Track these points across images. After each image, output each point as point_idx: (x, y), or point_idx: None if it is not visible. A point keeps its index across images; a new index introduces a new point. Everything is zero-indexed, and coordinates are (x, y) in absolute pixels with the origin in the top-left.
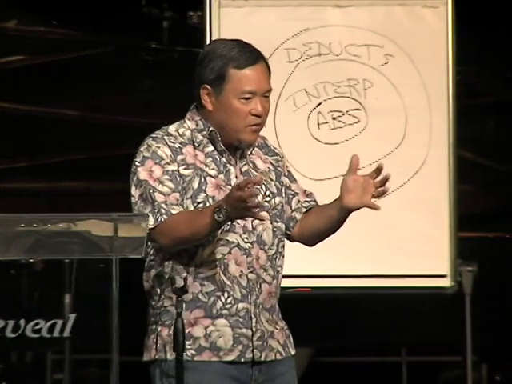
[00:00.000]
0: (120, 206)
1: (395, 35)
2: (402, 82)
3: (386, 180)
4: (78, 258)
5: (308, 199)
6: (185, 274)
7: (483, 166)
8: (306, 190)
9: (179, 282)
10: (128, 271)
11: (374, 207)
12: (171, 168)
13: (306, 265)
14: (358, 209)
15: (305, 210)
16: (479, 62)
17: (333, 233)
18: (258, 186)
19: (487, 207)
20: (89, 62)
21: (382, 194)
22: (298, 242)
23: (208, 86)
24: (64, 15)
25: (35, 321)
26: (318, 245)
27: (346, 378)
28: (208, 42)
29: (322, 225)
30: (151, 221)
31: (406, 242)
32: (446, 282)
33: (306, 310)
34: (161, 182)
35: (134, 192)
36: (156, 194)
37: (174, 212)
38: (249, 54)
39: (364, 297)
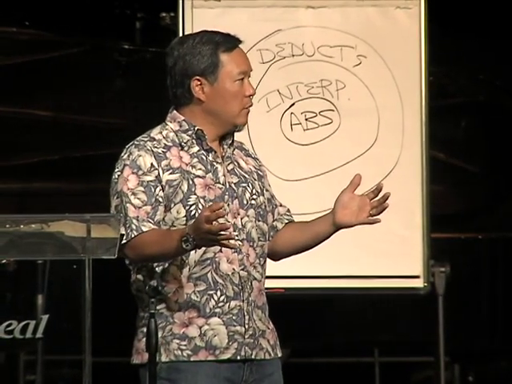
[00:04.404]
0: (93, 206)
1: (368, 36)
2: (374, 83)
3: (386, 198)
4: (51, 259)
5: (288, 213)
6: (179, 276)
7: (455, 166)
8: (281, 203)
9: (152, 283)
10: (121, 272)
11: (374, 221)
12: (147, 179)
13: (279, 265)
14: (351, 226)
15: (286, 221)
16: (451, 63)
17: (310, 249)
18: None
19: (459, 208)
20: (61, 62)
21: (382, 210)
22: (273, 252)
23: (200, 77)
24: (36, 15)
25: (8, 322)
26: None
27: (320, 379)
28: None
29: (304, 240)
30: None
31: (378, 242)
32: (418, 283)
33: (279, 310)
34: (134, 194)
35: (112, 202)
36: (128, 206)
37: (144, 229)
38: (230, 37)
39: (337, 297)
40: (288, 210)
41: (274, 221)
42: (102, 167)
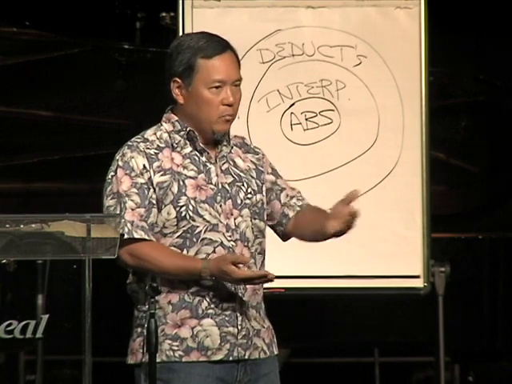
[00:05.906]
0: (93, 206)
1: (368, 36)
2: (374, 83)
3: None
4: (51, 259)
5: (299, 196)
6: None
7: (455, 166)
8: (293, 188)
9: (152, 283)
10: (117, 272)
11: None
12: (140, 181)
13: (279, 265)
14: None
15: (298, 209)
16: (452, 63)
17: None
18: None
19: (460, 208)
20: (61, 62)
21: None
22: (295, 237)
23: (178, 79)
24: (36, 15)
25: (8, 321)
26: (291, 245)
27: (320, 379)
28: None
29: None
30: None
31: (379, 242)
32: (418, 283)
33: (279, 310)
34: (128, 196)
35: (105, 202)
36: (123, 208)
37: (136, 235)
38: (216, 44)
39: (337, 297)
40: (298, 192)
41: (282, 206)
42: (102, 167)
